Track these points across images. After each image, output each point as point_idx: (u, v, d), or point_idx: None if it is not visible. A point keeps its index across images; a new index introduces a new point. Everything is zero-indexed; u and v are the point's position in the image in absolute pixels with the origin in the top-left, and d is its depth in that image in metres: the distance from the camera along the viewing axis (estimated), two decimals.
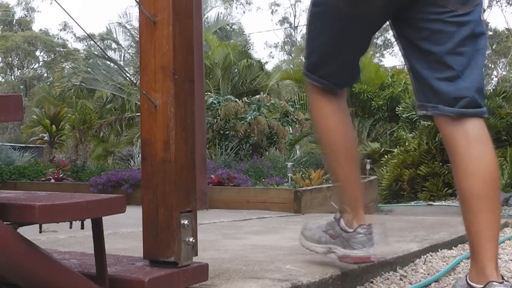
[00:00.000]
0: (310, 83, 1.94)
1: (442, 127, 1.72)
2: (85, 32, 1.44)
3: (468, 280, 1.63)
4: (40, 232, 1.30)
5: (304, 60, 1.96)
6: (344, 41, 1.83)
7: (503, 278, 1.60)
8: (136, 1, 1.55)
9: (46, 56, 37.08)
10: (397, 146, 11.07)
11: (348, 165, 1.92)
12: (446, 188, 8.15)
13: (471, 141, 1.66)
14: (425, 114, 1.74)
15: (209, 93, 12.55)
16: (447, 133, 1.71)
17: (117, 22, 22.39)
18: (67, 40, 41.23)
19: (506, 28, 28.03)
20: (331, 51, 1.86)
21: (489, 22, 31.06)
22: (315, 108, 1.95)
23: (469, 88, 1.66)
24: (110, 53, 23.48)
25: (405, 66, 1.83)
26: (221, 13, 23.10)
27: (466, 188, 1.65)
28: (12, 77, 36.65)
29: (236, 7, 38.72)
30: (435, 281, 2.07)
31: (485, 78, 1.66)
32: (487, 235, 1.61)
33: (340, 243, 1.90)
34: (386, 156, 10.57)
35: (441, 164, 8.43)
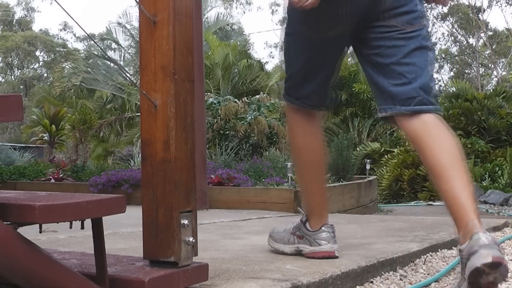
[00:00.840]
0: (289, 105, 2.17)
1: (403, 125, 1.93)
2: (85, 32, 1.44)
3: (459, 247, 1.67)
4: (40, 232, 1.30)
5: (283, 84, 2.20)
6: (316, 65, 2.07)
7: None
8: (136, 1, 1.55)
9: (46, 56, 37.05)
10: (397, 146, 11.08)
11: (314, 179, 2.21)
12: None
13: (431, 129, 1.86)
14: (385, 115, 1.96)
15: (209, 93, 12.54)
16: (408, 128, 1.91)
17: (117, 22, 22.36)
18: (67, 40, 41.17)
19: (506, 28, 28.03)
20: (306, 74, 2.10)
21: (489, 22, 31.09)
22: (290, 128, 2.21)
23: (419, 89, 1.89)
24: (110, 53, 23.50)
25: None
26: (221, 13, 23.09)
27: (436, 163, 1.80)
28: (12, 77, 36.63)
29: (236, 7, 38.64)
30: (435, 281, 2.07)
31: (435, 83, 1.98)
32: (464, 196, 1.73)
33: (307, 242, 2.17)
34: (386, 156, 10.58)
35: None
